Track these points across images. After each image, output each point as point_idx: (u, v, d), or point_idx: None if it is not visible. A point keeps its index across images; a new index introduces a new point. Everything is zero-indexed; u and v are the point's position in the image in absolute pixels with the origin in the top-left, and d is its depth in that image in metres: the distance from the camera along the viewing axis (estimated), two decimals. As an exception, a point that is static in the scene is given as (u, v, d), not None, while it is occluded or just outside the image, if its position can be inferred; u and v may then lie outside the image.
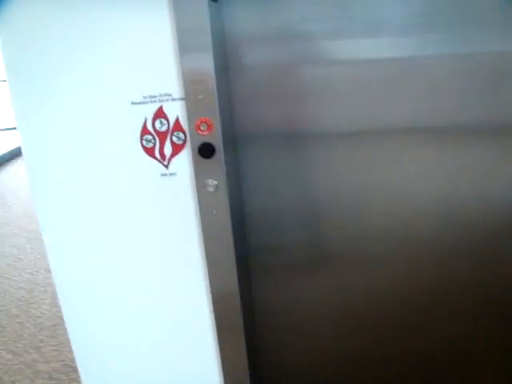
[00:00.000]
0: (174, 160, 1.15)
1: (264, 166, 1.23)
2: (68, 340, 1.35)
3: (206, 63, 1.05)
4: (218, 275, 1.20)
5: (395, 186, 1.19)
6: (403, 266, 1.26)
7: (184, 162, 1.15)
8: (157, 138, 1.14)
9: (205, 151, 1.11)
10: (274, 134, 1.21)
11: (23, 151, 1.17)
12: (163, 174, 1.16)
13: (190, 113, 1.09)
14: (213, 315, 1.24)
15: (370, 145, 1.17)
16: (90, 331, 1.34)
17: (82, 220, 1.22)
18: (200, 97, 1.07)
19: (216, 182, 1.13)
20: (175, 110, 1.11)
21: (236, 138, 1.21)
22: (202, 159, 1.11)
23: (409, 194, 1.19)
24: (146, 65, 1.09)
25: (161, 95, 1.11)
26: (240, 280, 1.21)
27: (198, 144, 1.11)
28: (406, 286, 1.28)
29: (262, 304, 1.33)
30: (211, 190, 1.13)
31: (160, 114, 1.12)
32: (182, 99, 1.10)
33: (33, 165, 1.18)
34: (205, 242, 1.18)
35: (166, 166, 1.16)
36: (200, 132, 1.10)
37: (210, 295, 1.23)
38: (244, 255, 1.28)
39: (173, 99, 1.11)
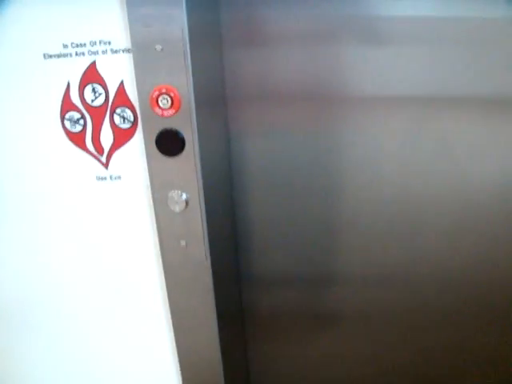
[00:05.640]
0: (117, 155, 0.69)
1: (270, 166, 0.77)
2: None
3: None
4: (189, 340, 0.76)
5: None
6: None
7: (134, 160, 0.69)
8: (88, 118, 0.67)
9: (167, 144, 0.64)
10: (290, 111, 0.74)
11: None
12: (100, 178, 0.70)
13: (141, 76, 0.62)
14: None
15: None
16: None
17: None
18: (158, 48, 0.60)
19: (185, 196, 0.67)
20: (118, 70, 0.64)
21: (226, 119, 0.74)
22: (164, 157, 0.65)
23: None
24: (67, -13, 0.62)
25: (93, 43, 0.64)
26: (224, 346, 0.77)
27: (155, 131, 0.64)
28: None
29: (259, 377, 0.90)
30: (177, 209, 0.67)
31: (92, 75, 0.65)
32: (128, 51, 0.63)
33: None
34: (168, 290, 0.73)
35: (105, 165, 0.70)
36: (159, 110, 0.63)
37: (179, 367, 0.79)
38: (230, 310, 0.83)
39: (114, 51, 0.64)
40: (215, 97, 0.69)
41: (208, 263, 0.70)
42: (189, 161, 0.65)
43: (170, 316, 0.75)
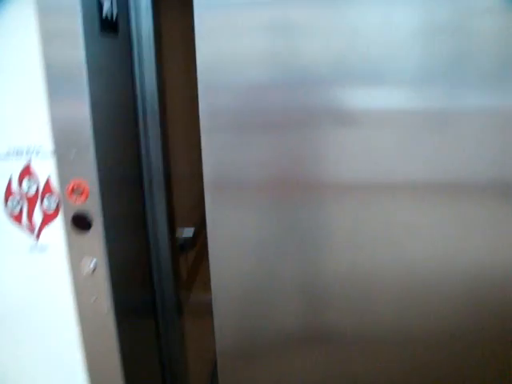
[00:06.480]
0: (45, 230, 0.90)
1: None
2: None
3: (79, 106, 0.81)
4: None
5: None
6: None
7: (58, 234, 0.90)
8: (24, 202, 0.89)
9: (79, 223, 0.86)
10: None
11: None
12: (32, 248, 0.91)
13: (61, 173, 0.85)
14: None
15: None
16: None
17: None
18: (73, 152, 0.83)
19: (94, 262, 0.87)
20: (46, 168, 0.87)
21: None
22: (78, 232, 0.86)
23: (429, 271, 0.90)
24: (10, 108, 0.86)
25: (29, 148, 0.87)
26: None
27: (71, 213, 0.86)
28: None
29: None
30: (88, 271, 0.87)
31: (27, 171, 0.88)
32: (53, 154, 0.86)
33: None
34: (85, 346, 0.91)
35: (36, 238, 0.91)
36: (73, 199, 0.85)
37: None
38: (138, 358, 1.00)
39: (43, 154, 0.87)
40: (120, 187, 0.92)
41: (111, 315, 0.89)
42: (96, 235, 0.86)
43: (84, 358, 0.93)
